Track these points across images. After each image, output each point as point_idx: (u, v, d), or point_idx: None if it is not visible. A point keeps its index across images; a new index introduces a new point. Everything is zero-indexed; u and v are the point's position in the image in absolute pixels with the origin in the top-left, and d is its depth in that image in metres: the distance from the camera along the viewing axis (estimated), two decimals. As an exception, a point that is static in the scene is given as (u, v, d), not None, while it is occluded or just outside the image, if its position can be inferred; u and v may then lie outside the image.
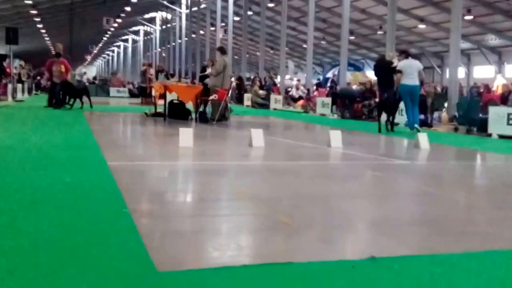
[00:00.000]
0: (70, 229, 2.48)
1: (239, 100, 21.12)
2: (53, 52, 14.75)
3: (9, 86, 17.48)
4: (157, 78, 17.86)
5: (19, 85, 19.82)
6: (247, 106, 19.89)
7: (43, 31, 44.82)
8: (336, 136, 6.95)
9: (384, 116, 10.21)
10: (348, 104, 14.82)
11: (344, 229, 2.84)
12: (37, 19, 38.63)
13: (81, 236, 2.37)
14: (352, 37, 28.43)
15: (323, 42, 37.30)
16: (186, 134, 6.30)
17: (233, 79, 17.80)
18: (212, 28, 36.57)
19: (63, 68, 13.90)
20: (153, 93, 14.16)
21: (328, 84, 22.10)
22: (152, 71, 20.66)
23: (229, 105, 11.86)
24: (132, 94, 27.31)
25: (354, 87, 17.24)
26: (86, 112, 12.15)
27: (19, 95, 18.82)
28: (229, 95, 11.49)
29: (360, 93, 15.07)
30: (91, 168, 4.34)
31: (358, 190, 4.14)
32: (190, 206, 3.26)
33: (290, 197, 3.59)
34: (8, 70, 18.90)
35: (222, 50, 11.93)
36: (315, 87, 21.67)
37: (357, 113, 14.36)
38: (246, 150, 6.27)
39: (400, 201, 3.74)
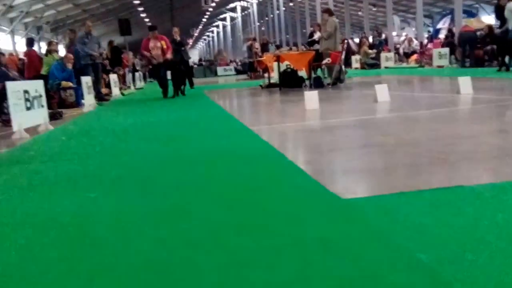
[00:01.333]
0: (253, 176, 2.88)
1: (347, 63, 20.76)
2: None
3: (129, 76, 19.16)
4: (262, 51, 18.21)
5: (136, 74, 21.61)
6: (356, 68, 19.55)
7: (147, 20, 47.81)
8: (465, 82, 6.70)
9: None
10: (469, 51, 13.88)
11: (502, 159, 2.87)
12: (140, 9, 41.11)
13: (263, 181, 2.74)
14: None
15: (431, -10, 34.85)
16: (311, 97, 6.57)
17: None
18: (310, -6, 36.09)
19: (163, 44, 11.20)
20: (258, 67, 14.60)
21: (443, 34, 20.74)
22: (257, 45, 21.11)
23: (343, 67, 11.78)
24: (237, 71, 28.27)
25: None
26: (205, 91, 12.94)
27: (137, 83, 20.58)
28: (343, 57, 11.37)
29: (479, 39, 14.02)
30: (238, 133, 4.77)
31: (504, 127, 4.06)
32: (344, 152, 3.49)
33: (435, 139, 3.66)
34: (125, 61, 20.54)
35: (330, 12, 11.59)
36: (426, 40, 20.52)
37: (479, 60, 13.43)
38: (374, 106, 6.34)
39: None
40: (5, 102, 7.43)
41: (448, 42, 16.43)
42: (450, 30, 17.58)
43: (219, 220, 2.07)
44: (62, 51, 15.12)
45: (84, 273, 1.62)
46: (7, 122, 7.07)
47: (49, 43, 12.38)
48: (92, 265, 1.69)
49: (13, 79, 8.93)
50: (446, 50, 14.86)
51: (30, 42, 12.43)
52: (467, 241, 1.65)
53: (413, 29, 25.32)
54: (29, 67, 11.46)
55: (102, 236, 1.98)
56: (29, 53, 11.91)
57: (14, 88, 5.71)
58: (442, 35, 20.88)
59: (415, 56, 17.89)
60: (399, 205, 2.08)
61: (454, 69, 13.28)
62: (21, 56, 16.27)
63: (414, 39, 19.83)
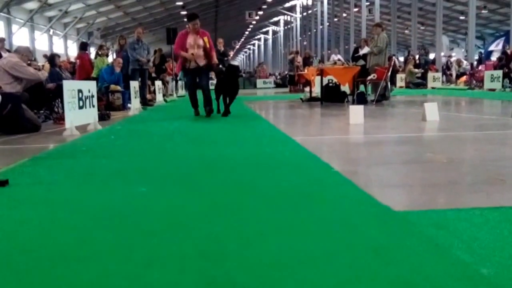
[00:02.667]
0: (300, 183, 2.86)
1: (392, 81, 20.48)
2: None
3: (172, 84, 19.50)
4: (304, 65, 18.19)
5: (179, 82, 21.97)
6: (400, 87, 19.23)
7: (192, 31, 48.53)
8: (520, 105, 6.47)
9: None
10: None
11: None
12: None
13: (311, 188, 2.72)
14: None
15: (484, 11, 33.94)
16: (356, 111, 6.49)
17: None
18: (356, 9, 35.87)
19: (207, 42, 7.80)
20: (299, 81, 14.53)
21: (495, 56, 20.15)
22: (299, 58, 21.13)
23: (389, 84, 11.59)
24: (276, 84, 28.33)
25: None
26: (245, 102, 13.01)
27: (179, 92, 20.95)
28: (389, 74, 11.19)
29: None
30: (282, 142, 4.77)
31: None
32: (392, 167, 3.42)
33: (490, 159, 3.53)
34: (169, 69, 20.89)
35: (382, 27, 11.35)
36: (475, 62, 19.98)
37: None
38: (421, 124, 6.20)
39: None
40: (56, 102, 7.76)
41: (502, 64, 15.93)
42: (504, 53, 17.02)
43: (270, 220, 2.07)
44: (110, 56, 15.66)
45: (139, 259, 1.65)
46: (58, 120, 7.36)
47: (100, 47, 12.85)
48: (147, 252, 1.72)
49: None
50: (499, 72, 14.41)
51: (83, 46, 12.92)
52: (530, 259, 1.57)
53: (463, 50, 24.70)
54: (80, 69, 11.91)
55: (153, 227, 2.01)
56: (82, 56, 12.38)
57: (69, 87, 5.93)
58: (494, 58, 20.28)
59: (464, 78, 17.45)
60: (454, 220, 2.01)
61: (507, 93, 12.84)
62: (72, 59, 16.96)
63: (463, 60, 19.35)
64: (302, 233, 1.90)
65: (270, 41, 70.32)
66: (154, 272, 1.55)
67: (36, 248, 1.81)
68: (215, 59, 7.95)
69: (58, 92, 6.99)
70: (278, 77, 34.22)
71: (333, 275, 1.50)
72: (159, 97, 13.74)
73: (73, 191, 2.78)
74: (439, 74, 17.97)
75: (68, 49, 33.85)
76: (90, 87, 6.66)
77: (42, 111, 7.78)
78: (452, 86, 17.72)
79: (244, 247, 1.76)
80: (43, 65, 10.67)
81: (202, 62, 7.86)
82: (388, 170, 3.29)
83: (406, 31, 39.86)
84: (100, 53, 12.15)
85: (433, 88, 17.41)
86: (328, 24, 43.26)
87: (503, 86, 14.00)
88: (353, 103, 10.76)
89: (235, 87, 8.13)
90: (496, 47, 24.64)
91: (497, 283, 1.41)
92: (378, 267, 1.55)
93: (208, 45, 7.83)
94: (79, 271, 1.58)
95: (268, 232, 1.93)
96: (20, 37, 26.93)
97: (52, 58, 10.15)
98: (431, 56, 23.26)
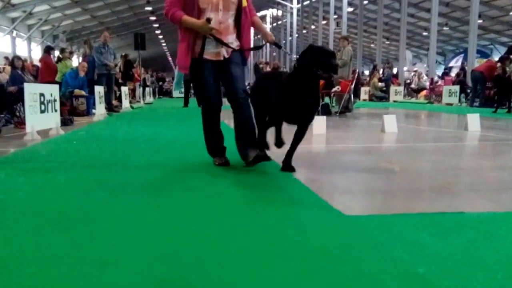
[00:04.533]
0: (260, 188, 2.95)
1: (356, 93, 20.95)
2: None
3: (139, 90, 19.36)
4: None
5: (146, 89, 21.84)
6: (364, 99, 19.71)
7: (161, 37, 48.38)
8: (474, 120, 6.79)
9: None
10: (479, 91, 14.03)
11: (505, 192, 2.93)
12: (156, 25, 41.79)
13: (269, 192, 2.82)
14: (479, 21, 26.58)
15: (445, 28, 35.30)
16: (319, 122, 6.67)
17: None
18: (324, 22, 36.61)
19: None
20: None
21: (455, 72, 21.00)
22: (268, 68, 21.40)
23: (352, 97, 11.90)
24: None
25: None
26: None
27: (147, 99, 20.80)
28: (352, 87, 11.49)
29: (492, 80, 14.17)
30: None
31: (509, 164, 4.12)
32: (348, 175, 3.56)
33: (439, 169, 3.73)
34: (136, 75, 20.68)
35: (348, 40, 11.52)
36: (436, 77, 20.75)
37: (488, 100, 13.56)
38: (380, 135, 6.43)
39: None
40: (18, 106, 7.59)
41: (460, 80, 16.63)
42: (462, 69, 17.79)
43: (227, 224, 2.14)
44: (75, 60, 15.41)
45: (95, 260, 1.69)
46: (19, 125, 7.21)
47: (62, 50, 12.65)
48: (103, 254, 1.76)
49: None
50: (456, 88, 15.05)
51: (48, 49, 12.68)
52: (465, 260, 1.71)
53: (425, 65, 25.59)
54: (43, 72, 11.68)
55: (111, 230, 2.05)
56: (45, 59, 12.15)
57: (31, 90, 5.85)
58: (453, 73, 21.13)
59: (424, 92, 18.08)
60: (399, 224, 2.14)
61: (463, 108, 13.41)
62: (36, 62, 16.57)
63: (424, 75, 20.05)
64: (257, 235, 1.99)
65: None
66: (109, 273, 1.60)
67: (-8, 248, 1.82)
68: (267, 33, 3.79)
69: (19, 96, 6.86)
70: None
71: (284, 274, 1.59)
72: (125, 104, 13.61)
73: (31, 196, 2.78)
74: (401, 88, 18.57)
75: (32, 51, 33.02)
76: (52, 91, 6.57)
77: (2, 115, 7.61)
78: (413, 99, 18.31)
79: (200, 250, 1.83)
80: (3, 67, 10.41)
81: (233, 42, 3.66)
82: (344, 178, 3.42)
83: (372, 45, 40.93)
84: (61, 56, 11.95)
85: (395, 101, 17.95)
86: (297, 35, 43.92)
87: (459, 101, 14.61)
88: (317, 114, 10.99)
89: (311, 104, 3.52)
90: (456, 63, 25.71)
91: (431, 281, 1.53)
92: (325, 266, 1.65)
93: (246, 3, 3.67)
94: (35, 273, 1.61)
95: (224, 235, 2.00)
96: (-19, 38, 26.12)
97: (12, 61, 9.93)
98: (395, 70, 23.97)
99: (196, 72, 3.58)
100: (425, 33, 34.87)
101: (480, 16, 26.45)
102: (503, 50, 30.86)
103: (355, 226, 2.13)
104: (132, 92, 18.87)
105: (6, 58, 15.39)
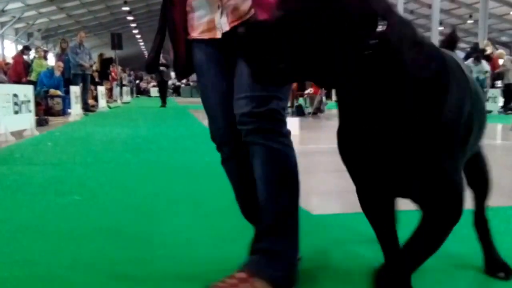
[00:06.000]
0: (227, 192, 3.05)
1: (328, 95, 21.19)
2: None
3: (116, 89, 19.20)
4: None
5: (123, 89, 21.68)
6: (336, 101, 19.97)
7: (138, 36, 47.88)
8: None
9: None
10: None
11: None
12: (133, 25, 41.39)
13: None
14: (440, 28, 27.49)
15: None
16: (292, 123, 6.84)
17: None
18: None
19: None
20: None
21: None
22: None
23: (324, 98, 12.18)
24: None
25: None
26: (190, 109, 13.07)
27: (124, 98, 20.67)
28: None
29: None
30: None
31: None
32: (317, 175, 3.69)
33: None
34: (113, 74, 20.41)
35: None
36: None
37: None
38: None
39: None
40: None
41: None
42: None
43: (196, 226, 2.24)
44: (51, 59, 15.21)
45: (67, 262, 1.77)
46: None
47: (36, 50, 12.51)
48: (74, 256, 1.84)
49: (1, 83, 9.02)
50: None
51: (24, 49, 12.56)
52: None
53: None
54: (12, 72, 11.56)
55: (83, 232, 2.13)
56: (16, 58, 12.03)
57: (3, 91, 5.82)
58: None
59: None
60: (362, 222, 2.26)
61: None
62: (8, 61, 16.29)
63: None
64: (229, 237, 2.09)
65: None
66: (80, 274, 1.65)
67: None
68: None
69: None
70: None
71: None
72: (102, 103, 13.53)
73: (5, 198, 2.81)
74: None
75: (4, 49, 32.32)
76: (26, 91, 6.53)
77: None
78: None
79: (173, 252, 1.91)
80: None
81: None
82: (314, 178, 3.56)
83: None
84: (36, 56, 11.82)
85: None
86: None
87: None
88: (292, 115, 11.18)
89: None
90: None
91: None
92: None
93: None
94: (6, 278, 1.65)
95: (196, 239, 2.09)
96: (-49, 35, 25.43)
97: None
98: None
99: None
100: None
101: (441, 23, 27.39)
102: (462, 55, 31.91)
103: (321, 225, 2.26)
104: (109, 92, 18.73)
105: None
